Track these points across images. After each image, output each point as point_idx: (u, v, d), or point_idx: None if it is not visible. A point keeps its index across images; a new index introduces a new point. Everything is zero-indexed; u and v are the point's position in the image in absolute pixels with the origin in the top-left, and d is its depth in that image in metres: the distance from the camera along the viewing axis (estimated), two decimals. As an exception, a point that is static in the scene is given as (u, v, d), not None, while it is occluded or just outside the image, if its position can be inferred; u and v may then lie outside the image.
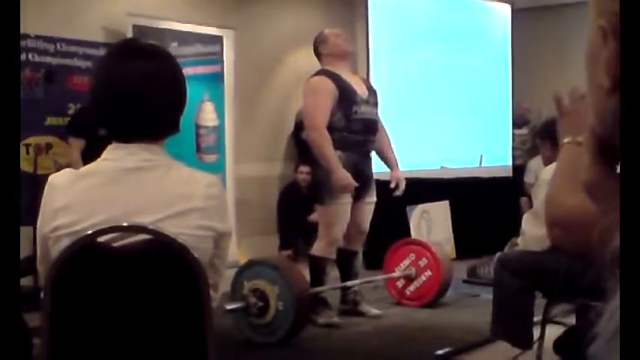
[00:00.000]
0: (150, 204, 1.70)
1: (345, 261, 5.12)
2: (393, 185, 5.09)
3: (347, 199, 4.80)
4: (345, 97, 4.78)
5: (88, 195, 1.71)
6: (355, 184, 4.73)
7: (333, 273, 5.30)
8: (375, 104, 5.02)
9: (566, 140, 0.91)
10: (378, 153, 5.18)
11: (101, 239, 1.65)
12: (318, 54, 5.00)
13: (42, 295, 1.67)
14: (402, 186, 5.10)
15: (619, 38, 0.66)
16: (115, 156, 1.76)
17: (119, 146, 1.77)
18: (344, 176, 4.68)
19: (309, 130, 4.81)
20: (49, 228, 1.71)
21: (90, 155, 4.94)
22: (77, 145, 5.53)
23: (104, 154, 1.78)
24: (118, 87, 1.74)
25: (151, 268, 1.68)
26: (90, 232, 1.64)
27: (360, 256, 5.23)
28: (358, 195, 4.88)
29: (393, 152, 5.19)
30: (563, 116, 0.89)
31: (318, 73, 4.90)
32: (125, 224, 1.66)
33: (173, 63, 1.83)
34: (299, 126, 7.92)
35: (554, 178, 0.89)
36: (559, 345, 3.82)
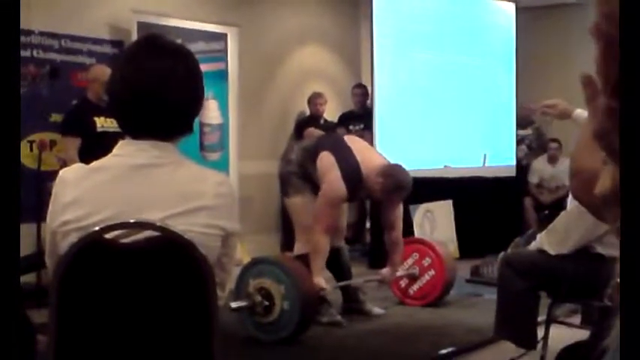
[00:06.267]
0: (159, 201, 1.69)
1: (330, 260, 5.07)
2: (377, 278, 5.10)
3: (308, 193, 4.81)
4: None
5: (97, 190, 1.70)
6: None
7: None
8: None
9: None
10: (387, 246, 5.08)
11: (109, 235, 1.64)
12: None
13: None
14: (385, 282, 5.11)
15: (604, 39, 0.66)
16: (126, 152, 1.75)
17: (130, 142, 1.77)
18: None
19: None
20: (57, 222, 1.70)
21: (87, 153, 4.90)
22: (73, 143, 5.27)
23: (115, 150, 1.78)
24: (133, 83, 1.73)
25: (158, 265, 1.68)
26: (97, 227, 1.64)
27: (346, 252, 5.20)
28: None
29: (400, 255, 5.10)
30: (592, 100, 0.86)
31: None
32: (133, 220, 1.65)
33: (193, 63, 1.80)
34: (299, 127, 7.92)
35: (580, 136, 0.91)
36: (566, 356, 3.78)
